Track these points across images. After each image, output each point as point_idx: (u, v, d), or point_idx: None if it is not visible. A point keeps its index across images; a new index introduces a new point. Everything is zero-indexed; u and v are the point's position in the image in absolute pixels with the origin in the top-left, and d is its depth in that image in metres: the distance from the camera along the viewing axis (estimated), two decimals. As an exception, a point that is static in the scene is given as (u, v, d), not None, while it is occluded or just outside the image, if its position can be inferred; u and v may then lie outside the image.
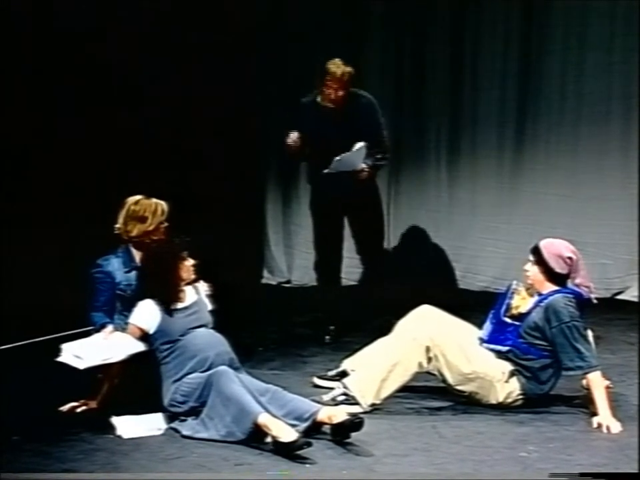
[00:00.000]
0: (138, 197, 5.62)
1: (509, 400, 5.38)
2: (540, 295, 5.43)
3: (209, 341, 5.17)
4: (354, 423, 4.82)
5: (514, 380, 5.36)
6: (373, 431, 4.94)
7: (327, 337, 6.88)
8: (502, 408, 5.36)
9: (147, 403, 5.19)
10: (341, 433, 4.84)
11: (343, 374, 5.56)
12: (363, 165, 6.62)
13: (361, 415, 4.95)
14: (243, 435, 4.80)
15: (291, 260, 9.03)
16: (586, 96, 8.23)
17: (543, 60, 8.31)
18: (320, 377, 5.80)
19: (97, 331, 5.35)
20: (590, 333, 5.41)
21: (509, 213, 8.49)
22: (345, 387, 5.35)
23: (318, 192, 6.91)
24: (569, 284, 5.43)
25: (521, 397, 5.38)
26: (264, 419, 4.74)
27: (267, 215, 9.13)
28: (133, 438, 4.94)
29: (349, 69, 6.63)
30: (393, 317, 5.88)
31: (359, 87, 6.89)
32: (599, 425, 5.06)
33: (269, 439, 4.75)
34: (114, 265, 5.58)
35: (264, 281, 9.05)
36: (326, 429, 4.88)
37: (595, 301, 5.47)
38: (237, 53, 8.54)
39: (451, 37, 8.57)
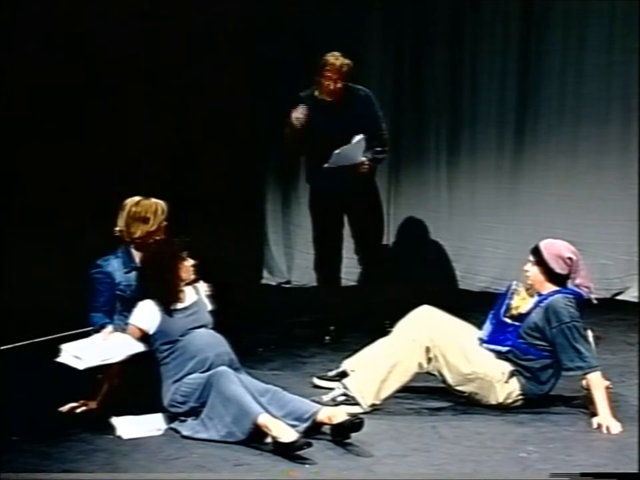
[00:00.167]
0: (137, 198, 5.60)
1: (509, 400, 5.37)
2: (540, 295, 5.43)
3: (209, 341, 5.17)
4: (354, 424, 4.82)
5: (514, 380, 5.36)
6: (373, 431, 4.94)
7: (327, 338, 6.88)
8: (502, 408, 5.36)
9: (146, 403, 5.19)
10: (341, 434, 4.84)
11: (343, 374, 5.56)
12: (363, 158, 6.61)
13: (361, 416, 4.95)
14: (242, 436, 4.79)
15: (291, 260, 9.03)
16: (585, 96, 8.23)
17: (542, 60, 8.31)
18: (320, 378, 5.80)
19: (97, 331, 5.35)
20: (590, 334, 5.41)
21: (509, 214, 8.49)
22: (345, 388, 5.35)
23: (317, 191, 6.90)
24: (569, 284, 5.43)
25: (520, 397, 5.38)
26: (264, 419, 4.74)
27: (266, 215, 9.13)
28: (132, 438, 4.94)
29: (347, 61, 6.64)
30: (392, 318, 5.88)
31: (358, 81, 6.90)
32: (599, 426, 5.06)
33: (268, 440, 4.75)
34: (113, 265, 5.56)
35: (264, 281, 9.05)
36: (326, 429, 4.88)
37: (595, 302, 5.46)
38: (237, 52, 8.54)
39: (451, 37, 8.57)
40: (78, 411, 5.22)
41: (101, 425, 5.05)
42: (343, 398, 5.32)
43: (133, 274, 5.49)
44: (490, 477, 4.50)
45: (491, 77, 8.49)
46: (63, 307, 6.32)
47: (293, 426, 4.77)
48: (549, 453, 4.75)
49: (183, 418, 5.04)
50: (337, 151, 6.47)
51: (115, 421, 5.07)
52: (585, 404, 5.32)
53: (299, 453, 4.62)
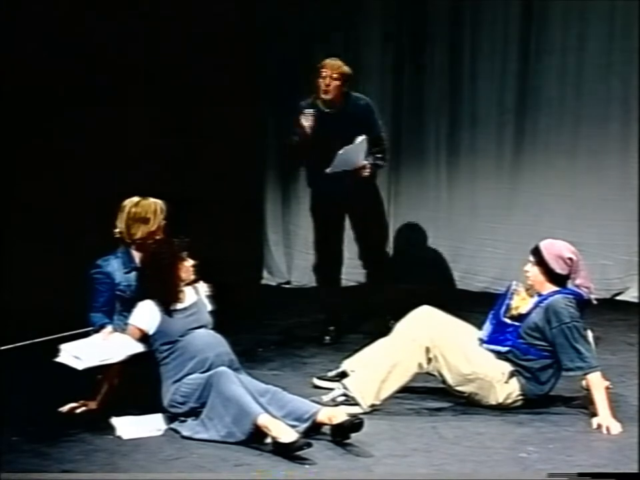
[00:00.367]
0: (136, 199, 5.60)
1: (509, 401, 5.37)
2: (540, 295, 5.43)
3: (209, 341, 5.17)
4: (354, 424, 4.82)
5: (514, 381, 5.36)
6: (373, 431, 4.94)
7: (327, 338, 6.88)
8: (502, 409, 5.36)
9: (146, 403, 5.19)
10: (341, 434, 4.84)
11: (343, 375, 5.56)
12: (365, 162, 6.61)
13: (361, 416, 4.95)
14: (242, 436, 4.79)
15: (291, 260, 9.03)
16: (585, 97, 8.23)
17: (542, 61, 8.31)
18: (320, 378, 5.80)
19: (96, 331, 5.35)
20: (590, 334, 5.41)
21: (509, 214, 8.49)
22: (345, 388, 5.35)
23: (318, 194, 6.89)
24: (569, 284, 5.43)
25: (520, 397, 5.38)
26: (264, 419, 4.74)
27: (266, 216, 9.13)
28: (132, 439, 4.94)
29: (345, 67, 6.63)
30: (392, 318, 5.88)
31: (358, 86, 6.89)
32: (599, 426, 5.06)
33: (268, 440, 4.75)
34: (113, 265, 5.56)
35: (263, 281, 9.06)
36: (326, 429, 4.88)
37: (595, 302, 5.47)
38: (237, 52, 8.54)
39: (451, 37, 8.57)
40: (78, 411, 5.22)
41: (101, 425, 5.06)
42: (342, 398, 5.32)
43: (133, 274, 5.49)
44: (490, 477, 4.50)
45: (490, 77, 8.49)
46: (63, 307, 6.31)
47: (293, 426, 4.77)
48: (549, 453, 4.75)
49: (182, 418, 5.04)
50: (340, 152, 6.47)
51: (114, 421, 5.08)
52: (585, 404, 5.32)
53: (298, 453, 4.62)
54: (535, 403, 5.38)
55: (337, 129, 6.55)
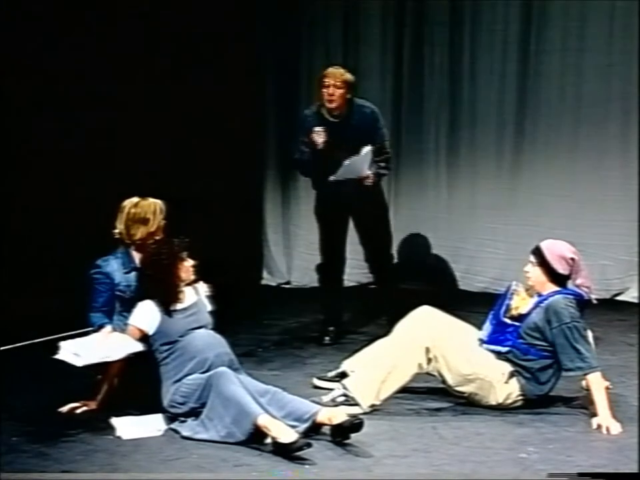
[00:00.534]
0: (136, 199, 5.61)
1: (509, 401, 5.38)
2: (540, 295, 5.43)
3: (209, 342, 5.17)
4: (353, 424, 4.82)
5: (514, 381, 5.36)
6: (373, 431, 4.94)
7: (326, 338, 6.87)
8: (502, 409, 5.36)
9: (146, 403, 5.19)
10: (341, 434, 4.83)
11: (343, 375, 5.56)
12: (369, 172, 6.59)
13: (361, 416, 4.94)
14: (242, 436, 4.79)
15: (291, 261, 9.03)
16: (585, 97, 8.23)
17: (541, 61, 8.32)
18: (319, 378, 5.80)
19: (95, 331, 5.35)
20: (590, 334, 5.41)
21: (508, 214, 8.49)
22: (345, 388, 5.35)
23: (323, 197, 6.85)
24: (570, 285, 5.43)
25: (520, 397, 5.38)
26: (264, 419, 4.74)
27: (266, 216, 9.13)
28: (132, 439, 4.94)
29: (348, 75, 6.63)
30: (392, 318, 5.88)
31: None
32: (599, 426, 5.06)
33: (268, 440, 4.75)
34: (113, 266, 5.56)
35: (263, 282, 9.06)
36: (326, 429, 4.88)
37: (594, 302, 5.47)
38: (237, 53, 8.54)
39: (450, 37, 8.57)
40: (78, 411, 5.22)
41: (101, 426, 5.06)
42: (342, 398, 5.32)
43: (133, 274, 5.49)
44: (489, 478, 4.50)
45: (490, 77, 8.49)
46: (63, 307, 6.32)
47: (293, 426, 4.77)
48: (549, 454, 4.75)
49: (182, 418, 5.04)
50: (346, 162, 6.47)
51: (114, 421, 5.08)
52: (585, 404, 5.32)
53: (298, 453, 4.62)
54: (534, 403, 5.38)
55: (342, 137, 6.54)
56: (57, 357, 5.09)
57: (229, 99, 8.34)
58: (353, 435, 4.83)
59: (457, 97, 8.61)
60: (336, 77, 6.59)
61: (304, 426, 4.82)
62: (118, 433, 4.99)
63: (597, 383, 5.19)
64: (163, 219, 5.60)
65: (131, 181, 6.61)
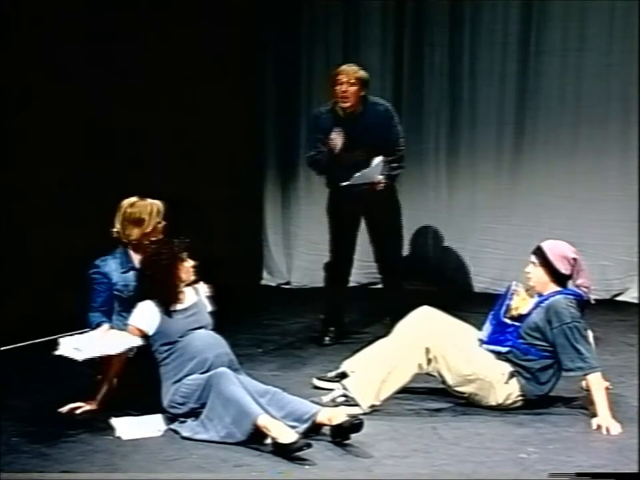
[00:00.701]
0: (133, 199, 5.62)
1: (509, 401, 5.37)
2: (540, 295, 5.43)
3: (209, 342, 5.17)
4: (353, 424, 4.82)
5: (514, 381, 5.36)
6: (373, 432, 4.94)
7: (326, 339, 6.87)
8: (501, 409, 5.36)
9: (146, 404, 5.19)
10: (341, 434, 4.83)
11: (343, 375, 5.56)
12: (380, 177, 6.58)
13: (361, 416, 4.94)
14: (242, 436, 4.79)
15: (291, 261, 9.03)
16: (585, 97, 8.23)
17: (541, 61, 8.32)
18: (319, 378, 5.80)
19: (93, 330, 5.36)
20: (590, 334, 5.41)
21: (508, 214, 8.49)
22: (345, 388, 5.35)
23: (336, 196, 6.82)
24: (570, 285, 5.43)
25: (520, 398, 5.38)
26: (263, 420, 4.74)
27: (266, 216, 9.13)
28: (132, 439, 4.94)
29: (362, 72, 6.62)
30: (392, 318, 5.88)
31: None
32: (599, 426, 5.06)
33: (268, 440, 4.75)
34: (111, 265, 5.58)
35: (263, 282, 9.06)
36: (325, 430, 4.88)
37: (593, 302, 5.46)
38: (237, 52, 8.54)
39: (450, 37, 8.57)
40: (78, 411, 5.21)
41: (101, 426, 5.06)
42: (342, 399, 5.32)
43: (130, 274, 5.52)
44: (489, 478, 4.50)
45: (490, 77, 8.49)
46: (63, 307, 6.32)
47: (293, 427, 4.77)
48: (549, 454, 4.75)
49: (182, 419, 5.04)
50: (357, 174, 6.47)
51: (114, 421, 5.08)
52: (585, 405, 5.32)
53: (298, 453, 4.62)
54: (534, 404, 5.38)
55: (356, 135, 6.53)
56: (57, 352, 5.09)
57: (229, 99, 8.33)
58: (352, 436, 4.83)
59: (456, 97, 8.62)
60: (349, 74, 6.59)
61: (304, 426, 4.82)
62: (118, 433, 4.99)
63: (597, 383, 5.19)
64: (161, 220, 5.60)
65: (131, 181, 6.62)
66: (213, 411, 4.90)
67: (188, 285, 5.31)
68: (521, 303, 5.46)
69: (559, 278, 5.40)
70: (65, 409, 5.23)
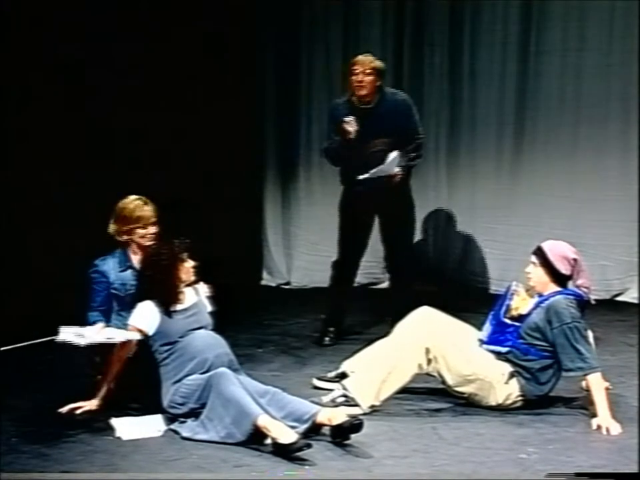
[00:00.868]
0: (128, 199, 5.66)
1: (509, 401, 5.37)
2: (540, 296, 5.43)
3: (209, 342, 5.17)
4: (353, 425, 4.82)
5: (513, 381, 5.36)
6: (373, 432, 4.94)
7: (326, 339, 6.86)
8: (501, 409, 5.36)
9: (146, 404, 5.20)
10: (341, 435, 4.83)
11: (343, 375, 5.55)
12: (397, 169, 6.58)
13: (361, 417, 4.95)
14: (242, 437, 4.79)
15: (290, 261, 9.02)
16: (585, 97, 8.23)
17: (541, 61, 8.32)
18: (319, 379, 5.80)
19: (91, 329, 5.39)
20: (590, 334, 5.41)
21: (508, 214, 8.48)
22: (345, 389, 5.35)
23: (351, 193, 6.79)
24: (570, 285, 5.43)
25: (520, 398, 5.38)
26: (263, 420, 4.74)
27: (266, 216, 9.13)
28: (132, 439, 4.94)
29: (378, 62, 6.62)
30: (393, 318, 5.88)
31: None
32: (599, 427, 5.06)
33: (268, 441, 4.75)
34: (109, 264, 5.63)
35: (263, 282, 9.05)
36: (325, 430, 4.88)
37: (593, 302, 5.46)
38: (236, 52, 8.54)
39: (450, 38, 8.57)
40: (78, 412, 5.21)
41: (101, 426, 5.06)
42: (342, 399, 5.32)
43: (128, 273, 5.56)
44: (489, 478, 4.50)
45: (490, 77, 8.49)
46: (63, 308, 6.31)
47: (293, 427, 4.77)
48: (549, 454, 4.75)
49: (182, 419, 5.04)
50: (373, 170, 6.47)
51: (114, 422, 5.08)
52: (585, 405, 5.32)
53: (298, 454, 4.62)
54: (534, 404, 5.38)
55: (374, 125, 6.52)
56: (59, 339, 5.09)
57: (229, 98, 8.33)
58: (352, 436, 4.83)
59: (456, 97, 8.61)
60: (365, 64, 6.59)
61: (304, 426, 4.82)
62: (118, 434, 4.99)
63: (597, 384, 5.19)
64: (155, 220, 5.62)
65: (131, 181, 6.61)
66: (213, 411, 4.90)
67: (188, 285, 5.32)
68: (521, 303, 5.46)
69: (559, 278, 5.41)
70: (65, 409, 5.23)
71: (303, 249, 8.88)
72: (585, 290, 5.40)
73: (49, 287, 6.89)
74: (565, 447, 4.85)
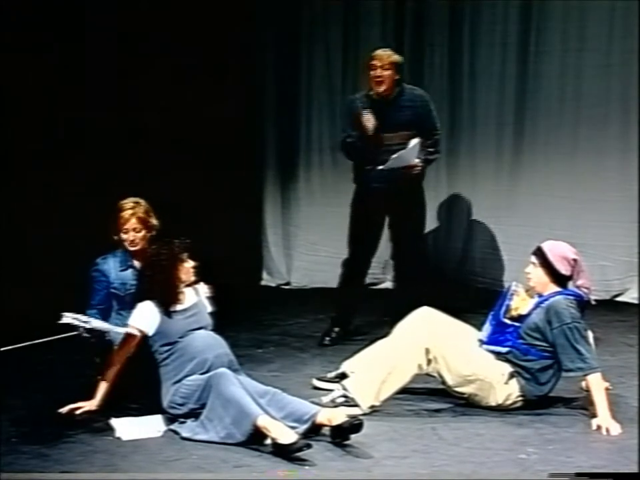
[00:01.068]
0: (124, 201, 5.71)
1: (509, 402, 5.37)
2: (540, 296, 5.43)
3: (208, 342, 5.17)
4: (353, 425, 4.82)
5: (513, 381, 5.36)
6: (372, 432, 4.94)
7: (327, 339, 6.85)
8: (501, 410, 5.36)
9: (146, 404, 5.20)
10: (341, 435, 4.84)
11: (343, 376, 5.55)
12: (417, 160, 6.58)
13: (360, 417, 4.95)
14: (242, 437, 4.79)
15: (290, 262, 9.02)
16: (585, 97, 8.22)
17: (541, 62, 8.31)
18: (319, 379, 5.80)
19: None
20: (590, 335, 5.41)
21: (508, 215, 8.48)
22: (345, 389, 5.35)
23: (363, 191, 6.76)
24: (570, 285, 5.43)
25: (520, 398, 5.38)
26: (263, 420, 4.74)
27: (266, 217, 9.12)
28: (132, 440, 4.94)
29: (396, 56, 6.63)
30: (392, 319, 5.88)
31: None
32: (599, 427, 5.06)
33: (268, 441, 4.75)
34: (109, 264, 5.68)
35: (263, 282, 9.05)
36: (325, 430, 4.88)
37: (593, 302, 5.47)
38: (236, 52, 8.54)
39: (450, 38, 8.57)
40: (78, 412, 5.21)
41: (101, 426, 5.06)
42: (342, 399, 5.32)
43: (129, 272, 5.59)
44: (489, 478, 4.51)
45: (490, 77, 8.48)
46: (63, 308, 6.31)
47: (293, 427, 4.77)
48: (549, 455, 4.75)
49: (182, 419, 5.04)
50: (394, 156, 6.46)
51: (114, 422, 5.08)
52: (585, 405, 5.32)
53: (298, 454, 4.62)
54: (534, 404, 5.38)
55: (393, 118, 6.53)
56: (62, 321, 5.10)
57: (229, 98, 8.33)
58: (352, 436, 4.83)
59: (456, 97, 8.61)
60: (383, 58, 6.59)
61: (304, 427, 4.82)
62: (117, 434, 4.99)
63: (596, 384, 5.19)
64: (151, 221, 5.64)
65: (131, 182, 6.62)
66: (213, 411, 4.90)
67: (188, 285, 5.32)
68: (520, 304, 5.46)
69: (559, 278, 5.41)
70: (64, 410, 5.23)
71: (302, 249, 8.88)
72: (584, 290, 5.40)
73: (48, 287, 6.89)
74: (564, 447, 4.85)
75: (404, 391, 5.41)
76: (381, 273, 8.33)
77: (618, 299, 8.18)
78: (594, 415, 5.14)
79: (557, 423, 5.19)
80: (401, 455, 4.76)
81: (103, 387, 5.25)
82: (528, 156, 8.41)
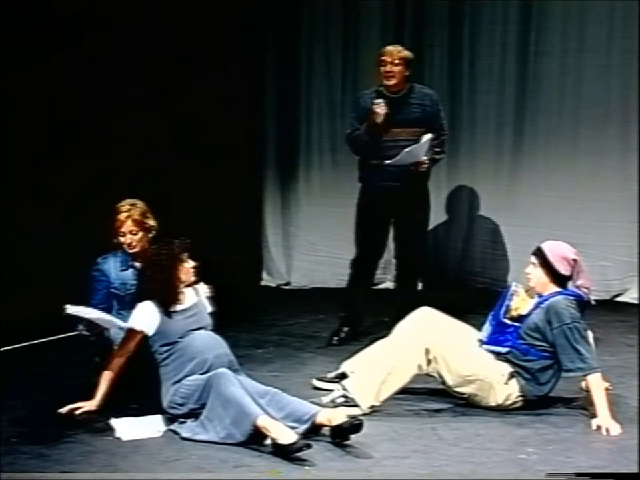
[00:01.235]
0: (123, 202, 5.72)
1: (508, 402, 5.38)
2: (540, 296, 5.43)
3: (208, 343, 5.17)
4: (353, 425, 4.82)
5: (513, 382, 5.36)
6: (372, 433, 4.94)
7: (335, 339, 6.80)
8: (501, 410, 5.36)
9: (146, 404, 5.20)
10: (340, 435, 4.83)
11: (342, 376, 5.55)
12: (425, 157, 6.59)
13: (360, 417, 4.95)
14: (242, 437, 4.79)
15: (290, 262, 9.02)
16: (585, 98, 8.22)
17: (541, 62, 8.31)
18: (319, 379, 5.80)
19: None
20: (590, 335, 5.41)
21: (508, 215, 8.48)
22: (344, 389, 5.35)
23: (369, 190, 6.76)
24: (570, 285, 5.43)
25: (520, 398, 5.38)
26: (263, 420, 4.74)
27: (266, 217, 9.13)
28: (132, 440, 4.94)
29: (406, 52, 6.65)
30: (391, 319, 5.87)
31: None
32: (599, 427, 5.06)
33: (268, 441, 4.75)
34: (110, 263, 5.71)
35: (263, 283, 9.05)
36: (325, 430, 4.88)
37: (593, 302, 5.47)
38: (235, 52, 8.54)
39: (450, 38, 8.57)
40: (77, 412, 5.21)
41: (100, 427, 5.06)
42: (342, 399, 5.32)
43: (129, 272, 5.61)
44: (489, 479, 4.50)
45: (490, 78, 8.48)
46: (63, 308, 6.32)
47: (293, 427, 4.77)
48: (549, 455, 4.75)
49: (182, 419, 5.04)
50: (406, 149, 6.45)
51: (114, 422, 5.08)
52: (585, 405, 5.32)
53: (298, 454, 4.62)
54: (534, 404, 5.38)
55: (403, 113, 6.54)
56: (67, 311, 5.13)
57: (229, 98, 8.33)
58: (352, 436, 4.83)
59: (456, 97, 8.60)
60: (393, 54, 6.61)
61: (303, 427, 4.82)
62: (117, 434, 4.99)
63: (596, 384, 5.19)
64: (148, 221, 5.65)
65: (131, 182, 6.62)
66: (213, 411, 4.90)
67: (188, 285, 5.32)
68: (520, 304, 5.46)
69: (559, 279, 5.41)
70: (64, 410, 5.22)
71: (302, 249, 8.88)
72: (584, 290, 5.40)
73: (48, 287, 6.90)
74: (564, 447, 4.85)
75: (404, 391, 5.40)
76: (381, 272, 8.34)
77: (618, 299, 8.19)
78: (594, 415, 5.14)
79: (557, 423, 5.19)
80: (400, 455, 4.75)
81: (102, 387, 5.25)
82: (528, 156, 8.41)
